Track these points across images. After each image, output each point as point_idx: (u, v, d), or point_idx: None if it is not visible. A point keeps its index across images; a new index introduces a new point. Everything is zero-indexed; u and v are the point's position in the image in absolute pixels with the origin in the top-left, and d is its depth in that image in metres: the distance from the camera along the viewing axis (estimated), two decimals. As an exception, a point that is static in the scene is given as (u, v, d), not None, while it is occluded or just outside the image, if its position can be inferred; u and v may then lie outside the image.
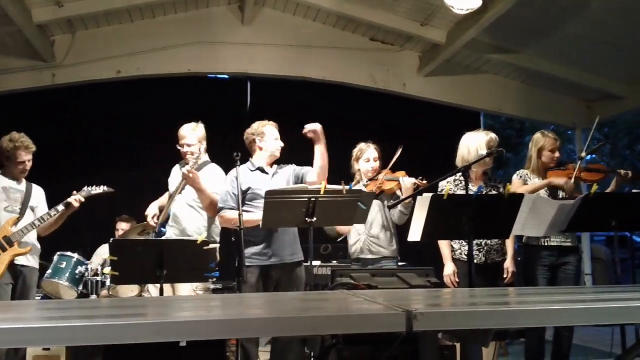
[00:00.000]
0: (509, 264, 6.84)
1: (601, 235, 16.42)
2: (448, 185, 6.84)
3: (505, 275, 6.82)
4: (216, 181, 6.87)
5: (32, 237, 7.12)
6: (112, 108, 11.40)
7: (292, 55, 11.40)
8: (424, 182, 6.81)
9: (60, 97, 11.05)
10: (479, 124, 12.71)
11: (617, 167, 7.16)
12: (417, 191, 6.52)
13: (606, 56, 10.61)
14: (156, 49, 10.90)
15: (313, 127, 6.57)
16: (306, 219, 5.81)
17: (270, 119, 6.85)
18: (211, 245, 6.03)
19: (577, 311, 2.90)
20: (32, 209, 7.22)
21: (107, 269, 6.29)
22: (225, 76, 12.24)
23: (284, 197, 5.83)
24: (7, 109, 10.50)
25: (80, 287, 7.78)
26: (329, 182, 5.94)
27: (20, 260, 6.98)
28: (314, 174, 6.60)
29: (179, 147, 7.14)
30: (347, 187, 5.98)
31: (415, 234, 5.80)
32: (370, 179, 7.08)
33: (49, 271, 7.67)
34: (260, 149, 6.78)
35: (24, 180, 7.27)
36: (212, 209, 6.84)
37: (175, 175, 7.29)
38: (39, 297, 8.01)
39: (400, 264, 7.21)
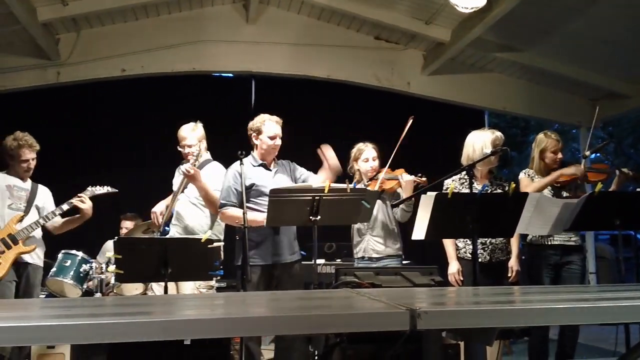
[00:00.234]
0: (513, 263, 6.84)
1: (605, 234, 16.41)
2: (453, 184, 6.84)
3: (509, 275, 6.82)
4: (218, 179, 6.87)
5: (37, 235, 7.13)
6: (116, 106, 11.42)
7: (296, 54, 11.40)
8: (424, 179, 6.81)
9: (65, 96, 11.06)
10: (484, 122, 12.72)
11: (621, 165, 7.16)
12: (421, 190, 6.52)
13: (611, 55, 10.61)
14: (161, 48, 10.92)
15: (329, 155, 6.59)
16: (310, 217, 5.81)
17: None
18: (215, 244, 6.03)
19: (581, 310, 2.90)
20: (38, 209, 7.21)
21: (112, 267, 6.29)
22: (230, 75, 12.26)
23: (288, 196, 5.83)
24: (12, 107, 10.51)
25: (85, 286, 7.79)
26: (334, 180, 5.93)
27: (24, 258, 6.98)
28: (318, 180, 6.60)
29: (179, 149, 7.16)
30: (351, 185, 5.98)
31: (419, 232, 5.79)
32: (370, 179, 7.08)
33: (54, 269, 7.67)
34: (256, 146, 6.78)
35: (29, 180, 7.27)
36: (215, 206, 6.85)
37: (177, 176, 7.31)
38: (44, 296, 8.01)
39: (404, 262, 7.21)
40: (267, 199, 5.99)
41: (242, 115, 10.75)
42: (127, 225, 9.55)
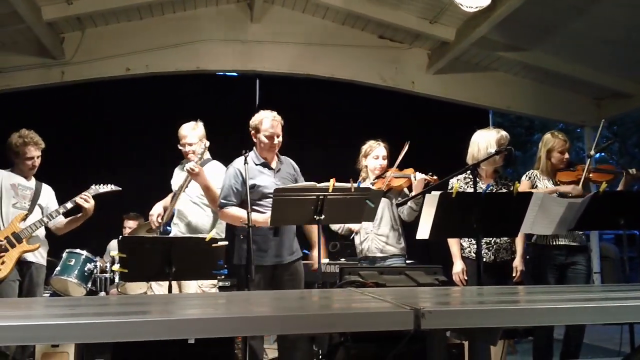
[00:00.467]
0: (518, 263, 6.84)
1: (610, 234, 16.40)
2: (457, 183, 6.83)
3: (514, 274, 6.81)
4: (219, 178, 6.86)
5: (40, 234, 7.13)
6: (120, 106, 11.42)
7: (300, 53, 11.40)
8: (435, 177, 6.81)
9: (69, 95, 11.07)
10: (488, 121, 12.73)
11: (626, 165, 7.16)
12: (427, 189, 6.51)
13: (615, 54, 10.60)
14: (165, 47, 10.92)
15: None
16: (315, 216, 5.81)
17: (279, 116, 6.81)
18: (220, 243, 6.03)
19: (586, 310, 2.90)
20: (42, 208, 7.21)
21: (116, 266, 6.29)
22: (234, 74, 12.24)
23: (292, 195, 5.83)
24: (17, 106, 10.53)
25: (89, 284, 7.80)
26: (338, 180, 5.93)
27: (28, 257, 6.97)
28: None
29: (180, 147, 7.17)
30: (355, 185, 5.98)
31: (423, 231, 5.79)
32: (377, 177, 7.08)
33: (58, 268, 7.69)
34: (258, 144, 6.76)
35: (33, 179, 7.26)
36: (216, 205, 6.87)
37: (177, 176, 7.32)
38: (48, 294, 8.03)
39: (408, 261, 7.20)
40: (268, 201, 6.02)
41: (246, 115, 10.73)
42: (130, 224, 9.57)
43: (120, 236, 6.61)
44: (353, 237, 7.27)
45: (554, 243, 6.90)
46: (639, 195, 6.71)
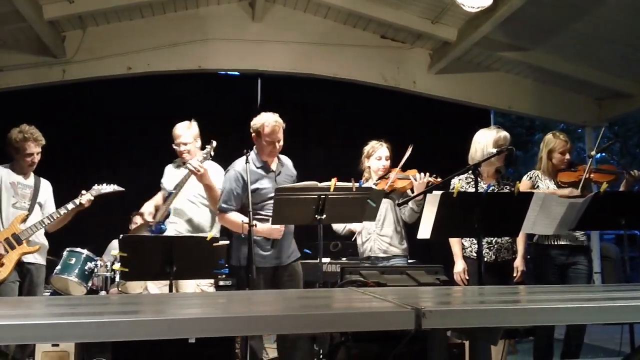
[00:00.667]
0: (519, 263, 6.84)
1: (610, 234, 16.41)
2: (459, 183, 6.84)
3: (515, 275, 6.81)
4: (216, 178, 6.88)
5: (40, 234, 7.11)
6: (122, 105, 11.41)
7: (302, 53, 11.39)
8: (439, 179, 6.80)
9: (71, 94, 11.06)
10: (489, 121, 12.70)
11: (627, 165, 7.15)
12: (428, 188, 6.51)
13: (617, 54, 10.60)
14: (167, 46, 10.92)
15: None
16: (316, 216, 5.82)
17: (280, 115, 6.78)
18: (221, 242, 6.04)
19: (586, 310, 2.90)
20: (40, 205, 7.20)
21: (117, 265, 6.29)
22: (236, 73, 12.24)
23: (293, 195, 5.83)
24: (17, 105, 10.52)
25: (90, 283, 7.79)
26: (340, 179, 5.93)
27: (27, 258, 6.94)
28: None
29: (175, 147, 7.19)
30: (357, 184, 5.97)
31: (424, 231, 5.80)
32: (380, 178, 7.07)
33: (59, 267, 7.67)
34: (257, 146, 6.73)
35: (32, 175, 7.23)
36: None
37: (171, 175, 7.32)
38: (48, 293, 8.03)
39: (409, 261, 7.20)
40: (269, 208, 6.06)
41: (247, 114, 10.73)
42: (138, 220, 9.58)
43: (121, 235, 6.59)
44: (355, 238, 7.26)
45: (555, 243, 6.90)
46: (640, 195, 6.72)
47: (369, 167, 7.21)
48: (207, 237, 5.90)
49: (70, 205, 7.03)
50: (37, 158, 7.10)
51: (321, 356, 5.93)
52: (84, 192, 7.09)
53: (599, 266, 11.78)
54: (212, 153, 6.84)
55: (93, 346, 7.23)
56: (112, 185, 7.29)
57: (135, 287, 7.81)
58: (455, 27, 10.75)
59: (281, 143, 6.65)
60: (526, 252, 6.97)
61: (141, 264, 5.92)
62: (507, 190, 6.81)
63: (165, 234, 7.00)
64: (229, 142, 7.26)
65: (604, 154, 8.35)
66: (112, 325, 2.41)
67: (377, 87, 11.79)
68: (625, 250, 6.91)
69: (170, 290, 6.05)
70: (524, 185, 6.97)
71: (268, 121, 6.59)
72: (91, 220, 7.23)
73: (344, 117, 12.09)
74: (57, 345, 6.92)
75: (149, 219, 7.14)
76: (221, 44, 11.18)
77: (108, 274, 8.06)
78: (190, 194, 7.03)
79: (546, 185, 7.00)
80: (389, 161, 7.14)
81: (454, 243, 6.93)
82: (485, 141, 6.74)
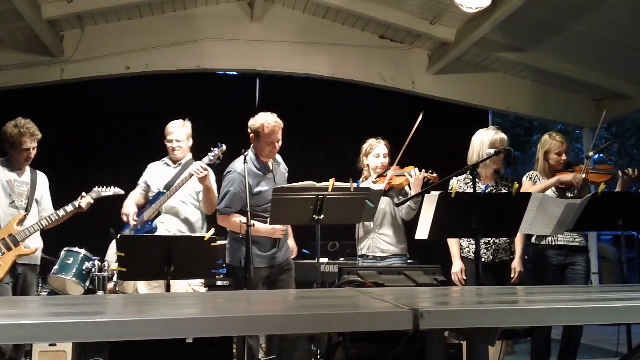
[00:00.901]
0: (516, 264, 6.84)
1: (608, 235, 16.41)
2: (457, 184, 6.84)
3: (512, 275, 6.81)
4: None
5: (36, 233, 7.04)
6: (120, 104, 11.41)
7: (301, 53, 11.40)
8: (434, 175, 6.80)
9: (69, 93, 11.06)
10: (488, 122, 12.72)
11: (624, 166, 7.14)
12: (427, 189, 6.51)
13: (615, 56, 10.61)
14: (165, 46, 10.92)
15: None
16: (314, 216, 5.82)
17: (279, 116, 6.77)
18: (219, 242, 6.03)
19: (584, 310, 2.91)
20: (37, 202, 7.08)
21: (115, 265, 6.28)
22: (234, 73, 12.25)
23: (292, 195, 5.84)
24: (16, 104, 10.50)
25: (88, 283, 7.79)
26: (338, 180, 5.93)
27: (21, 259, 6.82)
28: None
29: (167, 144, 7.20)
30: (355, 184, 5.98)
31: (422, 231, 5.80)
32: (379, 175, 7.06)
33: (56, 267, 7.66)
34: (256, 148, 6.75)
35: (27, 170, 7.09)
36: (214, 207, 6.96)
37: (159, 173, 7.34)
38: (46, 293, 8.02)
39: (409, 261, 7.20)
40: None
41: (246, 114, 10.72)
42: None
43: (119, 235, 6.59)
44: (354, 236, 7.24)
45: (554, 243, 6.91)
46: (638, 196, 6.73)
47: (368, 165, 7.20)
48: (205, 237, 5.89)
49: (69, 208, 6.93)
50: (33, 153, 6.94)
51: (319, 356, 5.92)
52: (84, 194, 7.00)
53: (597, 267, 11.81)
54: (221, 157, 6.83)
55: (90, 346, 7.23)
56: (112, 188, 7.21)
57: (127, 287, 7.80)
58: (454, 27, 10.76)
59: (280, 143, 6.66)
60: (524, 253, 6.97)
61: (139, 264, 5.92)
62: (505, 191, 6.81)
63: (156, 234, 6.98)
64: (227, 142, 7.25)
65: (602, 155, 8.34)
66: (110, 325, 2.41)
67: (375, 87, 11.80)
68: (622, 251, 6.93)
69: (168, 290, 6.04)
70: (525, 186, 6.98)
71: (268, 122, 6.60)
72: (89, 220, 7.21)
73: (342, 117, 12.09)
74: (55, 345, 6.91)
75: (134, 219, 7.11)
76: (220, 44, 11.19)
77: (106, 274, 8.05)
78: (182, 194, 7.03)
79: (543, 184, 7.01)
80: (387, 158, 7.13)
81: (452, 244, 6.93)
82: (482, 142, 6.74)
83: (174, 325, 2.45)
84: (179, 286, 6.84)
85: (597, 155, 7.47)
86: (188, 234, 7.02)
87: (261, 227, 6.42)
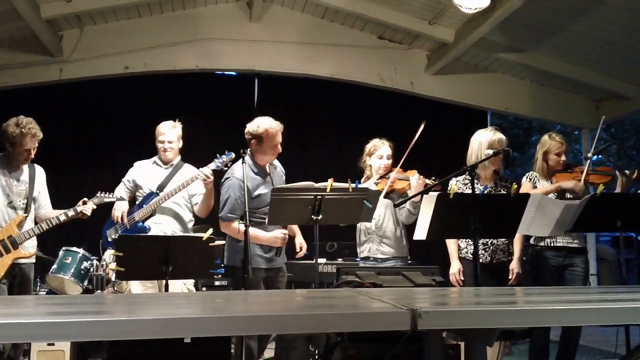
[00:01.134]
0: (514, 265, 6.82)
1: (607, 236, 16.40)
2: (456, 184, 6.83)
3: (510, 277, 6.80)
4: (199, 183, 6.92)
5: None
6: (119, 104, 11.41)
7: (300, 53, 11.40)
8: (434, 181, 6.79)
9: (68, 93, 11.05)
10: (486, 123, 12.72)
11: (623, 167, 7.14)
12: (425, 189, 6.49)
13: (614, 56, 10.61)
14: (164, 45, 10.92)
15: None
16: (312, 216, 5.82)
17: (277, 116, 6.78)
18: (217, 242, 6.03)
19: (583, 311, 2.90)
20: (34, 198, 7.00)
21: (113, 265, 6.27)
22: (233, 73, 12.24)
23: (290, 195, 5.84)
24: (14, 104, 10.46)
25: (86, 283, 7.79)
26: (337, 180, 5.93)
27: (17, 260, 6.84)
28: None
29: (158, 144, 7.22)
30: (353, 185, 5.97)
31: (421, 232, 5.80)
32: (381, 177, 7.04)
33: (55, 266, 7.66)
34: (258, 151, 6.75)
35: (26, 167, 6.99)
36: (209, 211, 7.09)
37: (148, 173, 7.33)
38: (44, 292, 8.03)
39: (409, 262, 7.19)
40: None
41: (245, 114, 10.74)
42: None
43: (118, 234, 6.58)
44: (355, 237, 7.23)
45: (552, 244, 6.90)
46: (636, 197, 6.72)
47: (370, 166, 7.18)
48: (203, 237, 5.88)
49: (70, 212, 6.85)
50: (33, 153, 6.87)
51: (317, 356, 5.92)
52: (86, 199, 6.94)
53: (596, 268, 11.80)
54: (229, 165, 6.83)
55: (89, 345, 7.23)
56: (114, 193, 7.18)
57: (123, 287, 7.81)
58: (453, 28, 10.76)
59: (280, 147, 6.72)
60: (522, 254, 6.96)
61: (137, 264, 5.91)
62: (503, 192, 6.81)
63: (151, 234, 6.97)
64: (226, 142, 7.25)
65: (600, 156, 8.31)
66: (108, 324, 2.41)
67: (374, 87, 11.80)
68: (621, 252, 6.94)
69: (166, 289, 6.04)
70: (524, 187, 6.98)
71: (272, 126, 6.65)
72: (88, 220, 7.18)
73: (341, 117, 12.10)
74: (53, 344, 6.91)
75: (126, 217, 7.09)
76: (219, 44, 11.19)
77: (102, 273, 8.05)
78: (176, 195, 7.04)
79: (543, 186, 7.00)
80: (390, 160, 7.10)
81: (450, 244, 6.92)
82: (481, 143, 6.73)
83: (171, 325, 2.45)
84: (174, 285, 6.83)
85: (595, 156, 7.45)
86: (182, 234, 7.04)
87: (262, 236, 6.43)
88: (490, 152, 6.49)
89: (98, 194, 7.04)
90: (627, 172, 6.86)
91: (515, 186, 6.05)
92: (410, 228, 6.91)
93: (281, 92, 11.88)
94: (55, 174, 7.67)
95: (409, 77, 11.82)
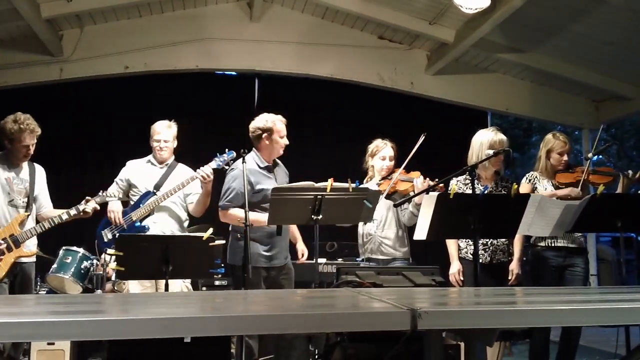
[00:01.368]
0: (514, 266, 6.82)
1: (607, 236, 16.40)
2: (456, 185, 6.83)
3: (510, 277, 6.79)
4: (194, 182, 6.93)
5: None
6: (119, 104, 11.41)
7: (300, 53, 11.40)
8: (441, 185, 6.76)
9: (68, 92, 11.05)
10: (487, 123, 12.70)
11: (624, 168, 7.14)
12: (425, 189, 6.49)
13: (615, 57, 10.61)
14: (164, 45, 10.92)
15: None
16: (312, 216, 5.81)
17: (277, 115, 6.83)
18: (217, 242, 6.03)
19: (583, 311, 2.90)
20: (35, 199, 7.00)
21: (113, 264, 6.27)
22: (233, 73, 12.24)
23: (290, 195, 5.83)
24: (15, 103, 10.44)
25: (86, 282, 7.78)
26: (337, 180, 5.93)
27: (19, 259, 6.83)
28: None
29: (153, 143, 7.26)
30: (353, 185, 5.97)
31: (421, 232, 5.80)
32: (383, 178, 7.03)
33: (55, 266, 7.66)
34: (267, 146, 6.76)
35: (26, 166, 6.98)
36: (205, 209, 7.14)
37: (143, 172, 7.34)
38: (44, 292, 8.03)
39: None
40: None
41: (245, 114, 10.75)
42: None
43: (118, 234, 6.58)
44: (360, 239, 7.22)
45: (552, 244, 6.90)
46: (636, 197, 6.71)
47: (373, 166, 7.17)
48: (203, 237, 5.88)
49: (72, 212, 6.81)
50: (32, 149, 6.84)
51: (317, 356, 5.92)
52: (88, 198, 6.92)
53: (596, 268, 11.80)
54: (230, 164, 6.85)
55: (88, 345, 7.23)
56: (114, 192, 7.17)
57: (122, 287, 7.82)
58: (453, 28, 10.76)
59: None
60: (522, 254, 6.96)
61: (137, 263, 5.91)
62: (504, 192, 6.80)
63: (150, 233, 6.97)
64: (226, 142, 7.26)
65: (601, 156, 8.32)
66: (108, 323, 2.41)
67: (374, 87, 11.80)
68: (621, 252, 6.93)
69: (166, 289, 6.04)
70: (523, 188, 6.98)
71: (278, 119, 6.76)
72: (87, 219, 7.17)
73: (341, 117, 12.10)
74: (53, 343, 6.91)
75: (120, 218, 7.09)
76: (219, 44, 11.19)
77: (104, 273, 8.05)
78: (174, 195, 7.05)
79: (544, 186, 6.99)
80: (392, 161, 7.08)
81: (450, 244, 6.92)
82: (482, 143, 6.73)
83: (171, 324, 2.45)
84: (173, 285, 6.83)
85: (596, 157, 7.46)
86: (180, 233, 7.04)
87: (256, 216, 6.42)
88: (491, 152, 6.49)
89: (100, 193, 7.00)
90: (628, 173, 6.87)
91: (516, 186, 6.05)
92: (411, 229, 6.91)
93: (281, 92, 11.87)
94: (55, 174, 7.68)
95: (409, 77, 11.82)
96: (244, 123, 6.80)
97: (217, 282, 8.57)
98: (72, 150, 11.15)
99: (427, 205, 5.73)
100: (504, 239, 6.82)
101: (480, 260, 6.47)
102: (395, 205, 6.83)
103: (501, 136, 6.78)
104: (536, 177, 7.08)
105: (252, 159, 6.66)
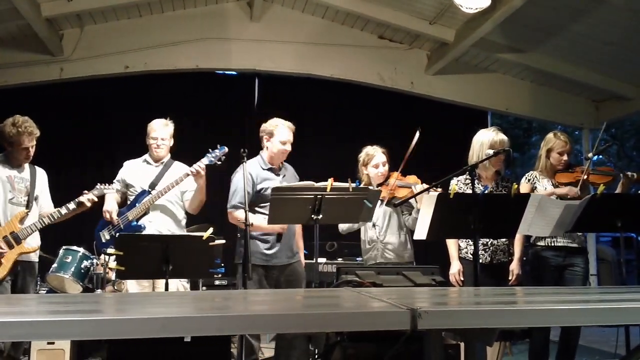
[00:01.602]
0: (514, 266, 6.81)
1: (607, 236, 16.41)
2: (457, 184, 6.82)
3: (510, 277, 6.79)
4: (190, 179, 6.93)
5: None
6: (119, 103, 11.41)
7: (300, 53, 11.41)
8: (439, 189, 6.75)
9: (68, 92, 11.05)
10: (487, 123, 12.71)
11: (624, 168, 7.13)
12: (425, 189, 6.48)
13: (615, 57, 10.61)
14: (164, 45, 10.92)
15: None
16: (312, 216, 5.81)
17: (277, 116, 6.84)
18: (217, 242, 6.03)
19: (582, 311, 2.90)
20: (36, 199, 6.97)
21: (113, 264, 6.26)
22: (233, 72, 12.24)
23: (290, 194, 5.84)
24: (15, 103, 10.47)
25: (86, 282, 7.78)
26: (337, 180, 5.93)
27: (20, 257, 6.83)
28: None
29: (152, 141, 7.28)
30: (353, 184, 5.97)
31: (421, 232, 5.80)
32: (380, 184, 7.02)
33: (55, 265, 7.65)
34: (267, 148, 6.82)
35: (27, 166, 6.98)
36: (201, 206, 7.10)
37: (138, 171, 7.34)
38: (45, 291, 8.03)
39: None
40: None
41: (245, 114, 10.78)
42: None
43: (118, 234, 6.58)
44: (362, 244, 7.20)
45: (552, 244, 6.90)
46: (637, 197, 6.71)
47: (368, 175, 7.14)
48: (203, 237, 5.88)
49: (71, 205, 6.83)
50: (32, 151, 6.83)
51: (317, 356, 5.93)
52: (85, 192, 6.96)
53: (596, 268, 11.80)
54: (222, 159, 6.87)
55: (88, 344, 7.23)
56: (114, 185, 7.19)
57: (122, 286, 7.82)
58: (453, 28, 10.76)
59: (290, 147, 6.76)
60: (522, 254, 6.96)
61: (137, 263, 5.91)
62: (504, 192, 6.80)
63: (146, 232, 6.97)
64: (226, 142, 7.26)
65: (601, 156, 8.33)
66: (108, 323, 2.41)
67: (374, 87, 11.81)
68: (621, 252, 6.92)
69: (167, 289, 6.04)
70: (523, 188, 6.97)
71: (282, 122, 6.82)
72: (87, 218, 7.17)
73: (341, 117, 12.10)
74: (53, 343, 6.91)
75: (115, 217, 7.09)
76: (219, 44, 11.19)
77: (104, 273, 8.05)
78: (169, 193, 7.04)
79: (543, 186, 6.99)
80: (386, 166, 7.07)
81: (450, 244, 6.91)
82: (482, 143, 6.72)
83: (172, 324, 2.44)
84: (170, 283, 6.83)
85: (596, 157, 7.45)
86: (177, 232, 7.04)
87: (258, 221, 6.43)
88: (491, 152, 6.48)
89: (98, 186, 7.00)
90: (629, 174, 6.86)
91: (516, 186, 6.05)
92: (413, 231, 6.91)
93: (281, 92, 11.88)
94: (55, 174, 7.67)
95: (409, 77, 11.83)
96: (244, 123, 6.81)
97: (217, 282, 8.58)
98: (72, 150, 11.15)
99: (427, 205, 5.73)
100: (504, 239, 6.81)
101: (481, 260, 6.47)
102: (396, 205, 6.83)
103: (502, 136, 6.77)
104: (536, 176, 7.08)
105: (257, 160, 6.72)
